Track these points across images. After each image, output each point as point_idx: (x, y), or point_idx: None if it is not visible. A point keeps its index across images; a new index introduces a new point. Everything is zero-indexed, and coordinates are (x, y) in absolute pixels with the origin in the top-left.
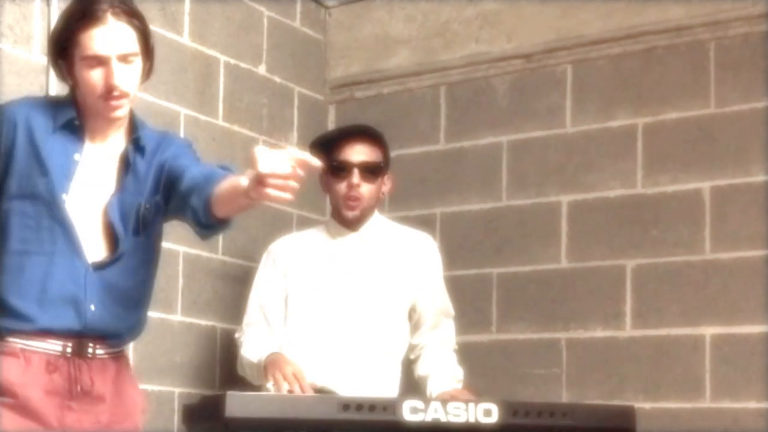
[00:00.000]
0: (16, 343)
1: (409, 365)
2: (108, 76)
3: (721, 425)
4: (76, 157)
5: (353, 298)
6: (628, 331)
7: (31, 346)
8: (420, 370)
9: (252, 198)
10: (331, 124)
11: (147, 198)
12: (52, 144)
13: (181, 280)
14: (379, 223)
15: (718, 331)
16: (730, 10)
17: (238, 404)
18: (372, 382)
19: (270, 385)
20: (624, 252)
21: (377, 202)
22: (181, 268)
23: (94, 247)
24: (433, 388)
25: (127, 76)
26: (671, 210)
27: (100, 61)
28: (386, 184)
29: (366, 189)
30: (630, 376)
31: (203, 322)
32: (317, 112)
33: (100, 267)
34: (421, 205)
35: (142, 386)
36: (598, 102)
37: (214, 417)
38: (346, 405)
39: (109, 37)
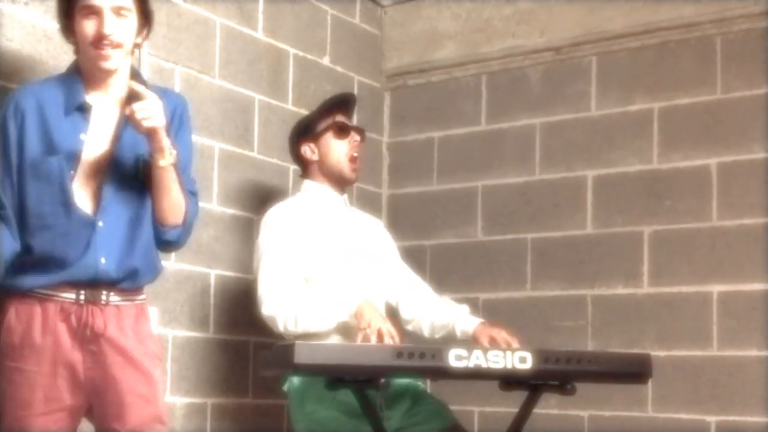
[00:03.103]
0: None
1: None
2: (99, 25)
3: (726, 371)
4: (82, 137)
5: (363, 253)
6: (645, 288)
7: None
8: (424, 313)
9: None
10: (386, 108)
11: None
12: (63, 126)
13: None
14: None
15: (723, 289)
16: (735, 9)
17: (305, 352)
18: None
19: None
20: (642, 220)
21: None
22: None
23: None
24: (462, 327)
25: (119, 28)
26: (683, 183)
27: (94, 11)
28: None
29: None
30: (647, 327)
31: None
32: (374, 98)
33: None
34: (464, 178)
35: (223, 337)
36: (619, 89)
37: (285, 363)
38: (399, 353)
39: None
